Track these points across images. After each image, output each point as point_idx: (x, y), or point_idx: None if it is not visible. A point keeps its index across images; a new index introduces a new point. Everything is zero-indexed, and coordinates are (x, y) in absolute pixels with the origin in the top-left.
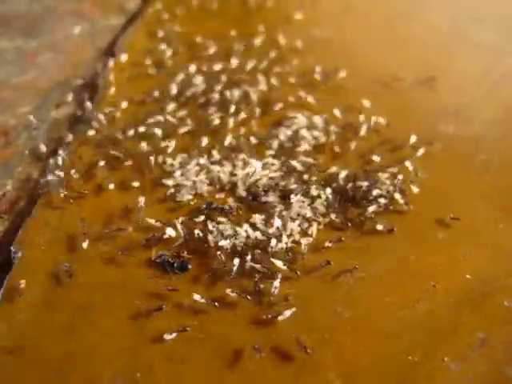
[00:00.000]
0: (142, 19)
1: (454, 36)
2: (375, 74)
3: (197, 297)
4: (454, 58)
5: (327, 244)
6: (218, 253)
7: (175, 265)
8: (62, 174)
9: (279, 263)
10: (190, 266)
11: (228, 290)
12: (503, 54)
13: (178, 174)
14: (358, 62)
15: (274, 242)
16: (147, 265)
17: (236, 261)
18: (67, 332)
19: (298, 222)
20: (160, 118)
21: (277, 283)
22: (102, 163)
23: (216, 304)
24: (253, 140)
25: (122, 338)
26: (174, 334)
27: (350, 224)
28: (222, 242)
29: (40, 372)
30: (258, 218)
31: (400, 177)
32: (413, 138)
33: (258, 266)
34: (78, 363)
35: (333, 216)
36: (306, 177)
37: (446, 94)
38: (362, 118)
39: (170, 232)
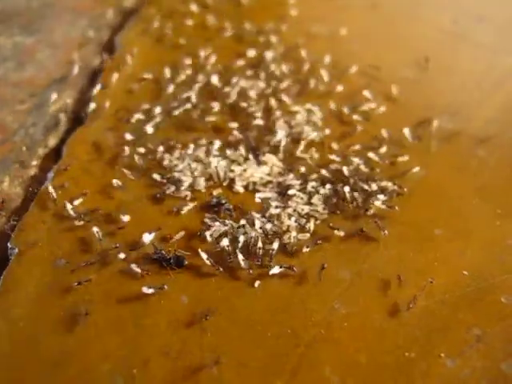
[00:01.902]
0: (140, 16)
1: (454, 34)
2: (375, 72)
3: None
4: (454, 56)
5: (305, 249)
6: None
7: (171, 260)
8: (59, 170)
9: (276, 269)
10: (186, 262)
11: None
12: (503, 52)
13: (175, 169)
14: (359, 60)
15: (271, 237)
16: (144, 261)
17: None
18: (64, 328)
19: (294, 218)
20: (159, 113)
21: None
22: (100, 159)
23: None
24: (251, 135)
25: (119, 333)
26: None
27: (347, 220)
28: (222, 239)
29: (36, 367)
30: (255, 215)
31: (399, 173)
32: (413, 135)
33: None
34: (75, 359)
35: (330, 212)
36: (303, 173)
37: (445, 91)
38: (362, 113)
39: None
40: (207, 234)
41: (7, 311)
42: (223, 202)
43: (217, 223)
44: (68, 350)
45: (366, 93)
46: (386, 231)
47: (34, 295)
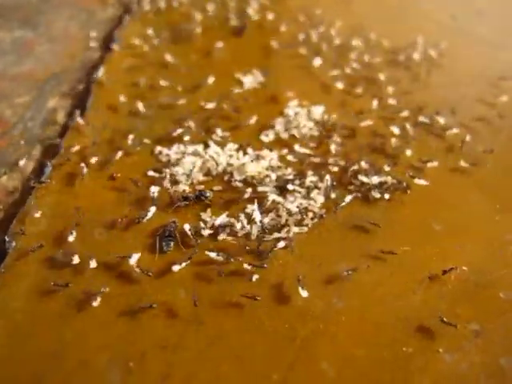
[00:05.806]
0: (140, 10)
1: (454, 29)
2: (374, 69)
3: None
4: (453, 50)
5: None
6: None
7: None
8: (58, 164)
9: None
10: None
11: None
12: (502, 47)
13: (173, 163)
14: (359, 56)
15: (269, 232)
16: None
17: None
18: (61, 320)
19: (293, 212)
20: (155, 109)
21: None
22: (98, 154)
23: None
24: (250, 129)
25: (116, 326)
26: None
27: (345, 214)
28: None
29: (34, 359)
30: (253, 209)
31: (398, 168)
32: (411, 130)
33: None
34: (72, 351)
35: (328, 206)
36: (302, 167)
37: (444, 87)
38: (362, 107)
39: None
40: (204, 229)
41: (5, 304)
42: (207, 195)
43: (215, 217)
44: (65, 342)
45: (365, 91)
46: (384, 224)
47: (32, 288)
